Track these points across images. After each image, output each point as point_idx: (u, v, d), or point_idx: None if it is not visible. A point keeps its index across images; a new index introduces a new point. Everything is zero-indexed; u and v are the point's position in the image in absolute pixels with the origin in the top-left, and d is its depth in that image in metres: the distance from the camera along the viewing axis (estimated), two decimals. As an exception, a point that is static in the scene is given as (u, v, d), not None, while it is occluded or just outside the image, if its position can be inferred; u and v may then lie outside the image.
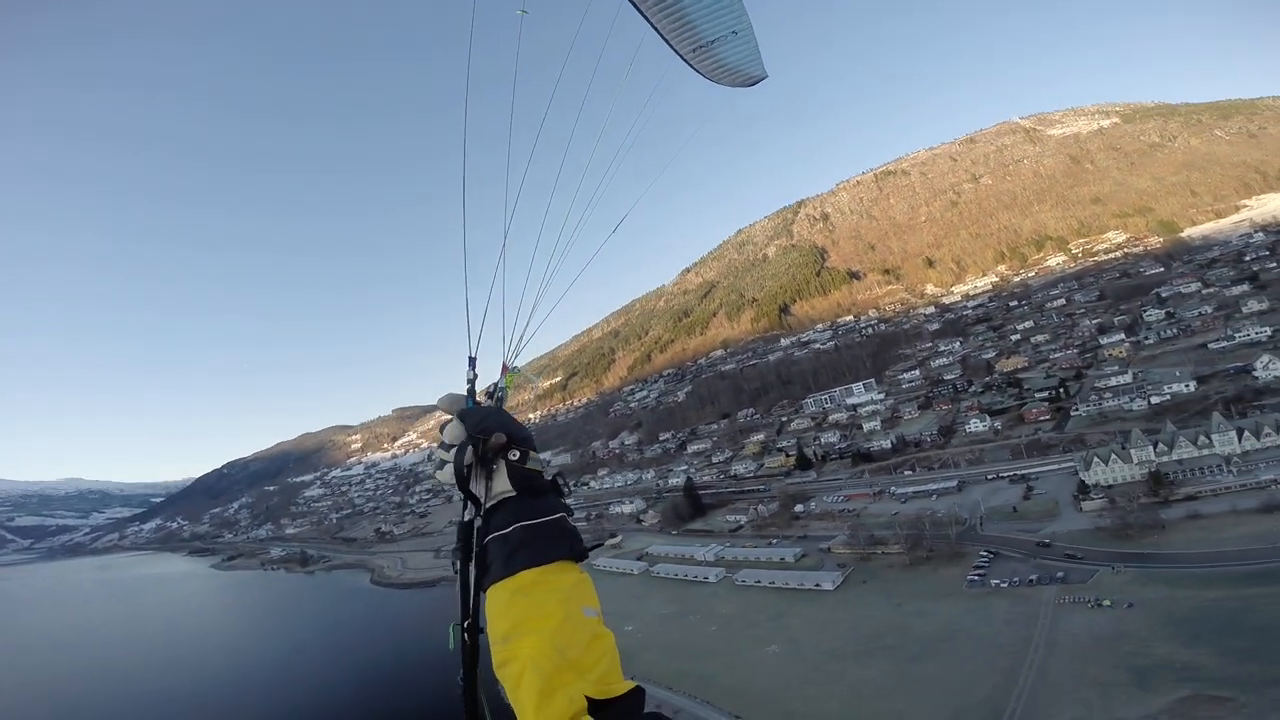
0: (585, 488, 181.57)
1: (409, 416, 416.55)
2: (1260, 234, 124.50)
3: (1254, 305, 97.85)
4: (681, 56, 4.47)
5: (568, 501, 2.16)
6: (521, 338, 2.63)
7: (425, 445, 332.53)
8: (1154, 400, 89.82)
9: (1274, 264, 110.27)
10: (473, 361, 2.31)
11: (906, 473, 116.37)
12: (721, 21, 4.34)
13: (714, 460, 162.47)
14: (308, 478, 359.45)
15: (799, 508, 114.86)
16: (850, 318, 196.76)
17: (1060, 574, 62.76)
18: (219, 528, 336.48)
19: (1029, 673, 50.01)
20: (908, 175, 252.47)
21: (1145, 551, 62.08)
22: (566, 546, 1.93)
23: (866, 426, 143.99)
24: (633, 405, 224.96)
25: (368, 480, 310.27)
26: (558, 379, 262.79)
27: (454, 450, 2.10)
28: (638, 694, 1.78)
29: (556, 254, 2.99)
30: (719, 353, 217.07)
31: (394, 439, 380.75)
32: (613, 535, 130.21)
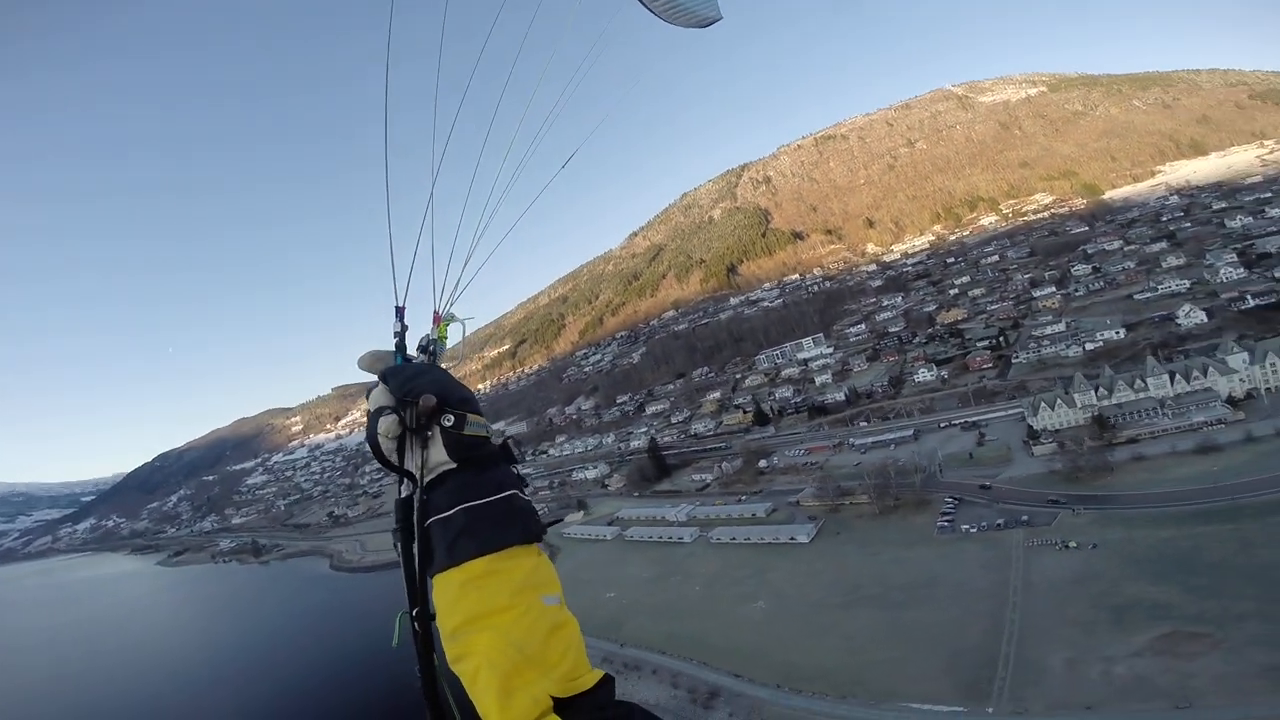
0: (544, 455, 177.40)
1: (350, 395, 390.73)
2: (1175, 197, 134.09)
3: (1172, 261, 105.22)
4: None
5: (521, 471, 1.82)
6: (458, 284, 2.11)
7: None
8: (1088, 347, 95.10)
9: (1188, 224, 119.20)
10: (400, 312, 1.90)
11: (861, 424, 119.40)
12: None
13: (673, 420, 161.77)
14: (249, 465, 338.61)
15: (763, 463, 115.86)
16: (796, 276, 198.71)
17: (1025, 517, 65.30)
18: (160, 523, 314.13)
19: (1013, 616, 51.65)
20: (846, 140, 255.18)
21: (1098, 494, 65.43)
22: (518, 530, 1.64)
23: (819, 380, 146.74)
24: (587, 369, 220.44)
25: (313, 463, 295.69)
26: (506, 347, 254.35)
27: (378, 418, 1.73)
28: (607, 685, 1.59)
29: (498, 189, 2.38)
30: (671, 313, 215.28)
31: (336, 419, 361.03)
32: (581, 505, 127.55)
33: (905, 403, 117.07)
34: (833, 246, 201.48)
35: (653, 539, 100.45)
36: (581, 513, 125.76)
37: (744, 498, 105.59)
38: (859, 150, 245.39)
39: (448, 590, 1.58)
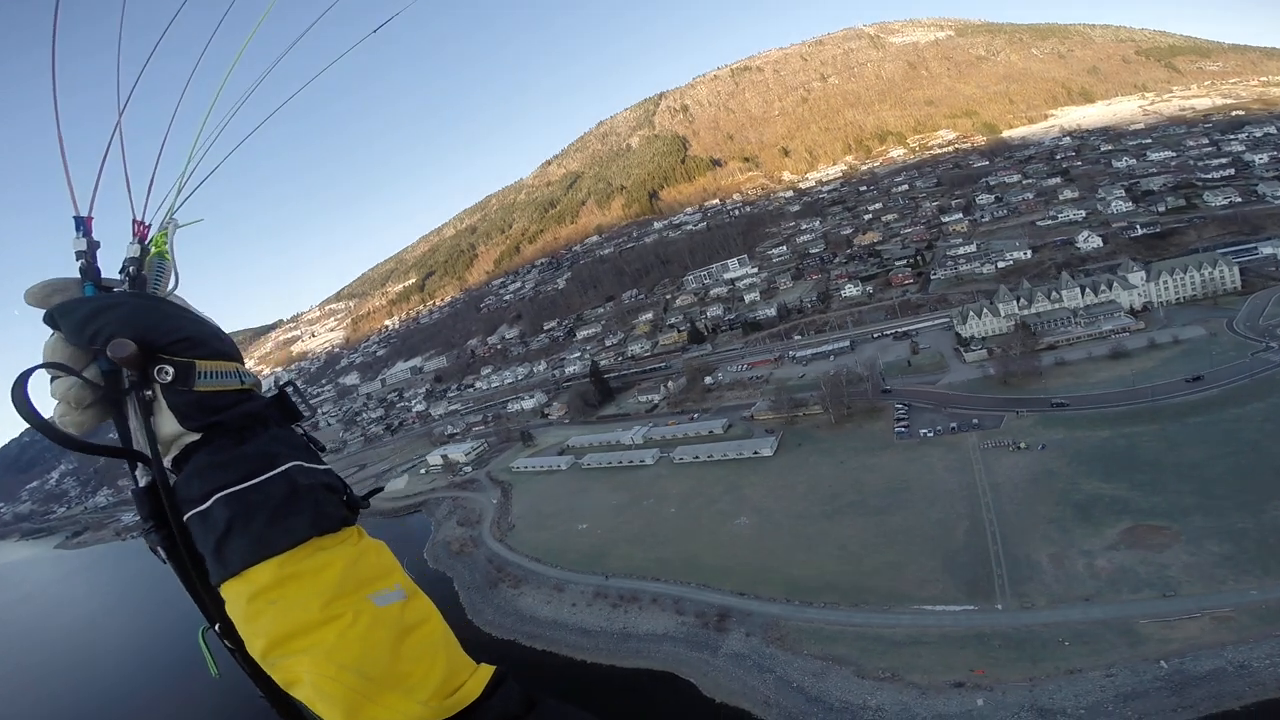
0: (471, 389, 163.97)
1: (240, 341, 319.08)
2: (1068, 138, 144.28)
3: (1068, 194, 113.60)
4: None
5: (303, 432, 1.26)
6: (184, 182, 1.30)
7: (267, 370, 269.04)
8: (1000, 265, 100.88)
9: (1080, 163, 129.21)
10: (82, 223, 1.20)
11: (796, 337, 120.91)
12: None
13: (607, 344, 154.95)
14: None
15: (708, 380, 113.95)
16: (717, 201, 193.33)
17: (976, 420, 68.47)
18: (45, 503, 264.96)
19: (989, 515, 53.78)
20: (762, 72, 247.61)
21: (1033, 397, 69.96)
22: (306, 518, 1.11)
23: (747, 298, 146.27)
24: (507, 298, 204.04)
25: None
26: (412, 280, 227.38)
27: (53, 379, 1.13)
28: (502, 687, 1.13)
29: (247, 56, 1.51)
30: (594, 239, 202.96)
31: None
32: (525, 437, 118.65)
33: (835, 316, 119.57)
34: (750, 174, 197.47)
35: (612, 464, 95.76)
36: (526, 445, 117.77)
37: (696, 415, 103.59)
38: (774, 83, 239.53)
39: (236, 606, 1.08)
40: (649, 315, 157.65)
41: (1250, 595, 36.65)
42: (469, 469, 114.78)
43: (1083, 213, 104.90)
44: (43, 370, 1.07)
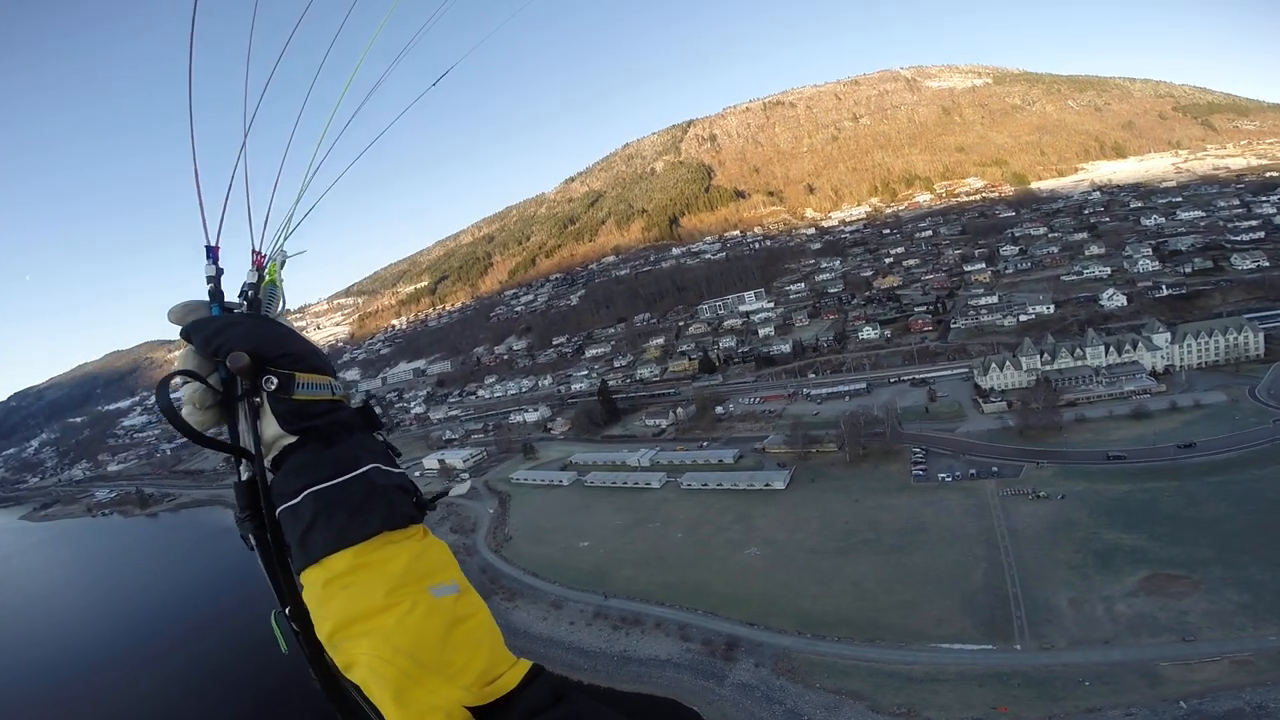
0: (473, 397, 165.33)
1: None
2: (1097, 193, 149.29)
3: (1094, 249, 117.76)
4: None
5: (383, 439, 1.49)
6: (291, 217, 1.66)
7: None
8: (1021, 319, 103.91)
9: (1107, 218, 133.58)
10: (213, 253, 1.51)
11: (811, 375, 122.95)
12: None
13: (615, 365, 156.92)
14: (124, 404, 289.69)
15: (719, 409, 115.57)
16: (737, 233, 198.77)
17: (995, 468, 70.01)
18: (19, 472, 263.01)
19: (1008, 560, 54.93)
20: (794, 107, 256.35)
21: (1051, 450, 71.64)
22: (380, 514, 1.31)
23: (761, 332, 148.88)
24: (518, 309, 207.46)
25: None
26: (424, 283, 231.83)
27: (183, 383, 1.44)
28: (537, 681, 1.30)
29: (344, 107, 1.83)
30: (610, 259, 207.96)
31: None
32: (527, 449, 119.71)
33: (852, 358, 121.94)
34: (773, 208, 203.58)
35: (617, 484, 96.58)
36: (527, 457, 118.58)
37: (705, 444, 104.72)
38: (805, 119, 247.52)
39: (313, 591, 1.29)
40: (660, 340, 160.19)
41: (1269, 641, 37.92)
42: (466, 476, 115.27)
43: (1108, 270, 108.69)
44: (179, 376, 1.40)
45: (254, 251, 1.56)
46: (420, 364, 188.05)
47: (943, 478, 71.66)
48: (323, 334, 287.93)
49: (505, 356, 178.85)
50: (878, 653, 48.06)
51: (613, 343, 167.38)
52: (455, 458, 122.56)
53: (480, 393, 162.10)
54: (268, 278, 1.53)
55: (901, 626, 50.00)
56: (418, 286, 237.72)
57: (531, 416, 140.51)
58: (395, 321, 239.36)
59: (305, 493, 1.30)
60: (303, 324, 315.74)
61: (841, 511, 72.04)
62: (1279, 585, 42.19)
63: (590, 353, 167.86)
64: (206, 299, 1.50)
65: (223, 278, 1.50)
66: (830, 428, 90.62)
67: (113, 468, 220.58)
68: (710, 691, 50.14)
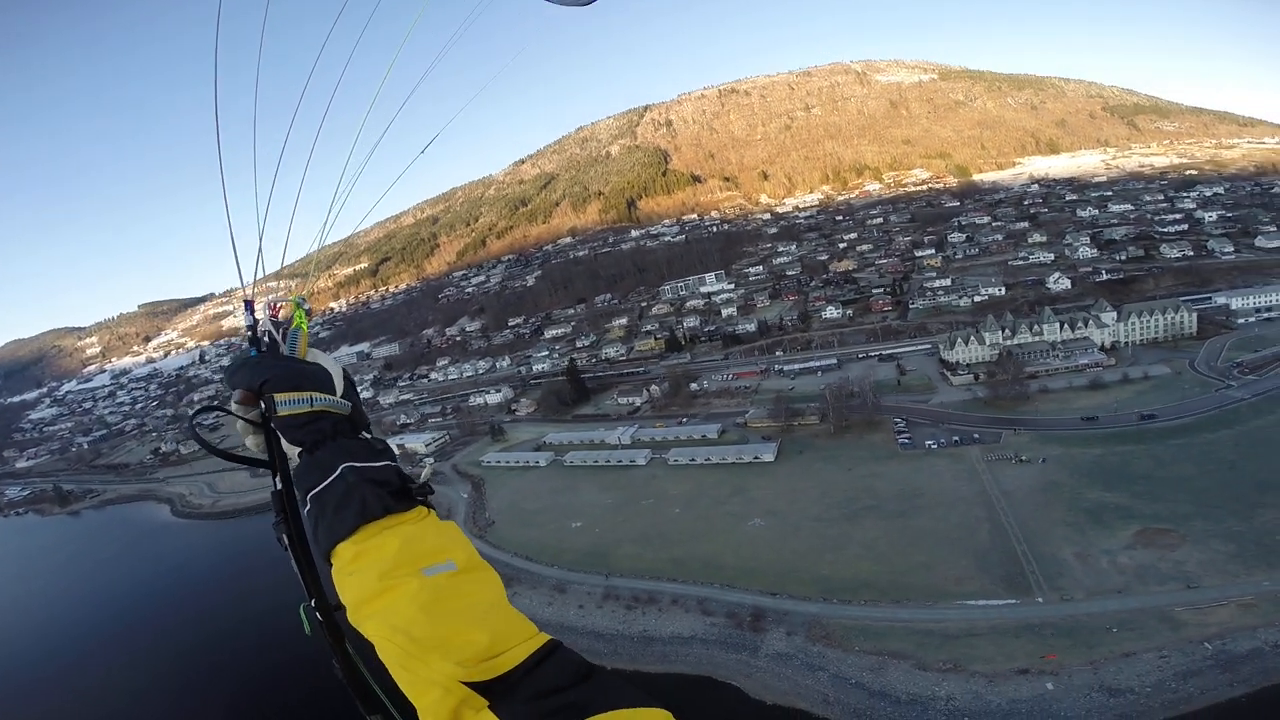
0: (425, 380, 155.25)
1: (163, 312, 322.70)
2: (1036, 186, 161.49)
3: (1036, 238, 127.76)
4: None
5: (368, 437, 1.73)
6: (311, 271, 2.14)
7: (193, 344, 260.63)
8: (975, 299, 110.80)
9: (1046, 210, 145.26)
10: (249, 305, 1.86)
11: (779, 353, 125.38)
12: None
13: (578, 345, 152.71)
14: (30, 396, 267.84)
15: (693, 386, 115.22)
16: (695, 216, 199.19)
17: (976, 435, 73.94)
18: None
19: (1008, 519, 57.89)
20: (748, 96, 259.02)
21: (1022, 418, 76.68)
22: (354, 510, 1.50)
23: (725, 312, 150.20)
24: (469, 291, 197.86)
25: (119, 392, 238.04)
26: (363, 265, 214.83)
27: (197, 416, 1.81)
28: (551, 656, 1.33)
29: (350, 170, 2.24)
30: (567, 240, 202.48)
31: (146, 339, 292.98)
32: (496, 431, 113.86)
33: (818, 336, 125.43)
34: (729, 193, 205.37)
35: (599, 463, 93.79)
36: (495, 439, 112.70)
37: (685, 419, 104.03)
38: (759, 107, 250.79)
39: (335, 579, 1.51)
40: (623, 320, 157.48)
41: (1263, 585, 42.00)
42: (430, 460, 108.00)
43: (1051, 256, 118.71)
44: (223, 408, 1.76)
45: (269, 304, 1.89)
46: (364, 347, 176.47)
47: (929, 445, 74.68)
48: (267, 309, 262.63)
49: (458, 338, 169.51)
50: (907, 613, 49.02)
51: (573, 323, 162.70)
52: (416, 442, 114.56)
53: (433, 375, 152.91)
54: (294, 322, 1.86)
55: (924, 586, 51.33)
56: (356, 268, 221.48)
57: (493, 398, 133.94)
58: (334, 304, 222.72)
59: (308, 495, 1.54)
60: (229, 307, 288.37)
61: (836, 480, 73.43)
62: (1256, 535, 46.91)
63: (550, 333, 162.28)
64: (249, 347, 1.82)
65: (257, 325, 1.83)
66: (810, 401, 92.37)
67: (21, 464, 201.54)
68: (746, 664, 49.21)
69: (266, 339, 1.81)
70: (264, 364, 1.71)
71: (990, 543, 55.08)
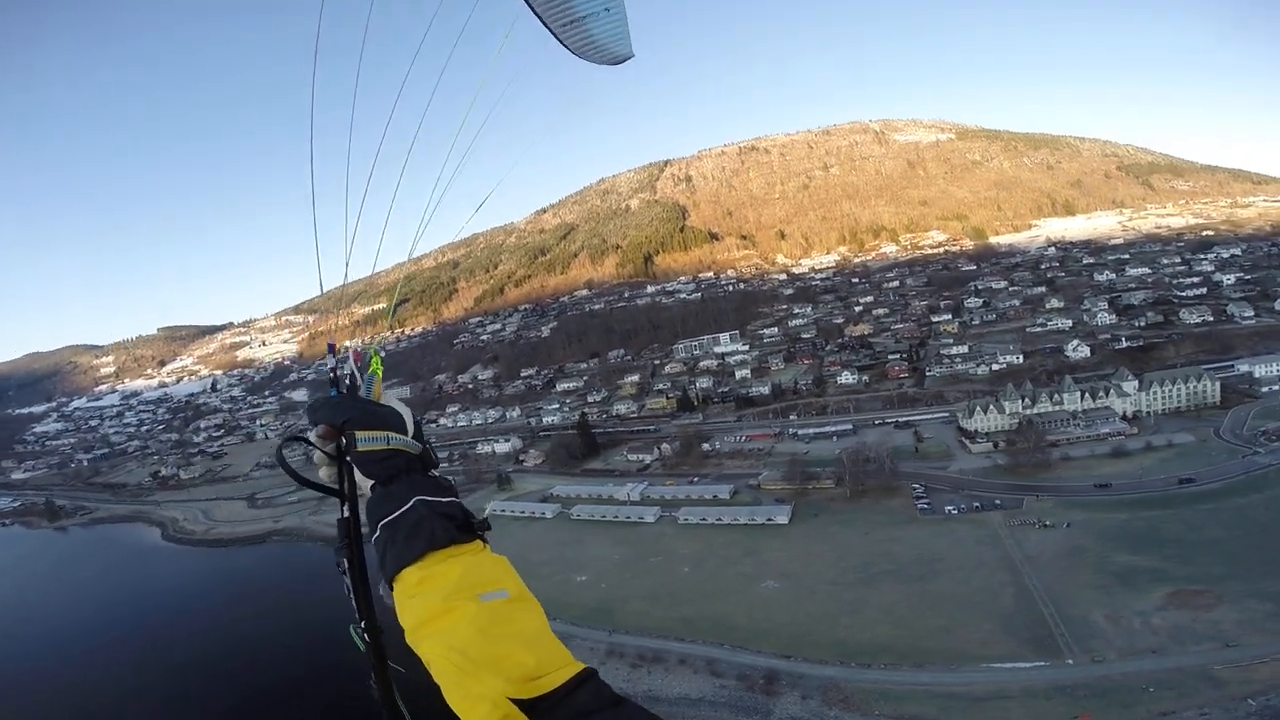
0: (434, 425, 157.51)
1: (181, 337, 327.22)
2: (1052, 249, 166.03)
3: (1054, 303, 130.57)
4: (551, 30, 4.44)
5: (436, 475, 1.92)
6: (387, 321, 2.41)
7: (205, 372, 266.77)
8: (993, 367, 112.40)
9: (1063, 273, 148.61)
10: (332, 349, 2.11)
11: (793, 417, 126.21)
12: None
13: (589, 400, 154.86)
14: (38, 409, 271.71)
15: (706, 446, 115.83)
16: (711, 274, 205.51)
17: (997, 501, 73.57)
18: None
19: (1033, 583, 56.99)
20: (767, 154, 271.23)
21: (1044, 485, 76.41)
22: (423, 539, 1.69)
23: (738, 374, 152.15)
24: (484, 338, 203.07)
25: (127, 413, 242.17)
26: (382, 305, 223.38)
27: (284, 447, 2.06)
28: (587, 684, 1.49)
29: (421, 228, 2.55)
30: (584, 292, 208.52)
31: (161, 363, 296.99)
32: (502, 480, 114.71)
33: (833, 401, 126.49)
34: (746, 252, 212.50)
35: (606, 518, 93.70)
36: (501, 488, 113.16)
37: (696, 479, 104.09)
38: (778, 166, 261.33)
39: (397, 602, 1.68)
40: (635, 377, 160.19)
41: (1308, 644, 40.84)
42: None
43: (1069, 322, 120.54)
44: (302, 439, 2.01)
45: (351, 349, 2.09)
46: None
47: (949, 510, 74.29)
48: (268, 351, 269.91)
49: (470, 385, 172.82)
50: (930, 676, 47.80)
51: (585, 377, 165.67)
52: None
53: (442, 421, 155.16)
54: (371, 367, 2.03)
55: (946, 650, 50.18)
56: (375, 308, 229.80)
57: (502, 447, 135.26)
58: (348, 343, 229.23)
59: (380, 525, 1.71)
60: (246, 338, 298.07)
61: (853, 544, 72.80)
62: (1295, 595, 46.07)
63: (562, 386, 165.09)
64: (331, 389, 2.02)
65: (341, 367, 2.02)
66: (826, 465, 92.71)
67: (18, 475, 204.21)
68: (757, 728, 47.75)
69: (347, 381, 2.02)
70: (345, 404, 1.90)
71: (1015, 606, 54.15)
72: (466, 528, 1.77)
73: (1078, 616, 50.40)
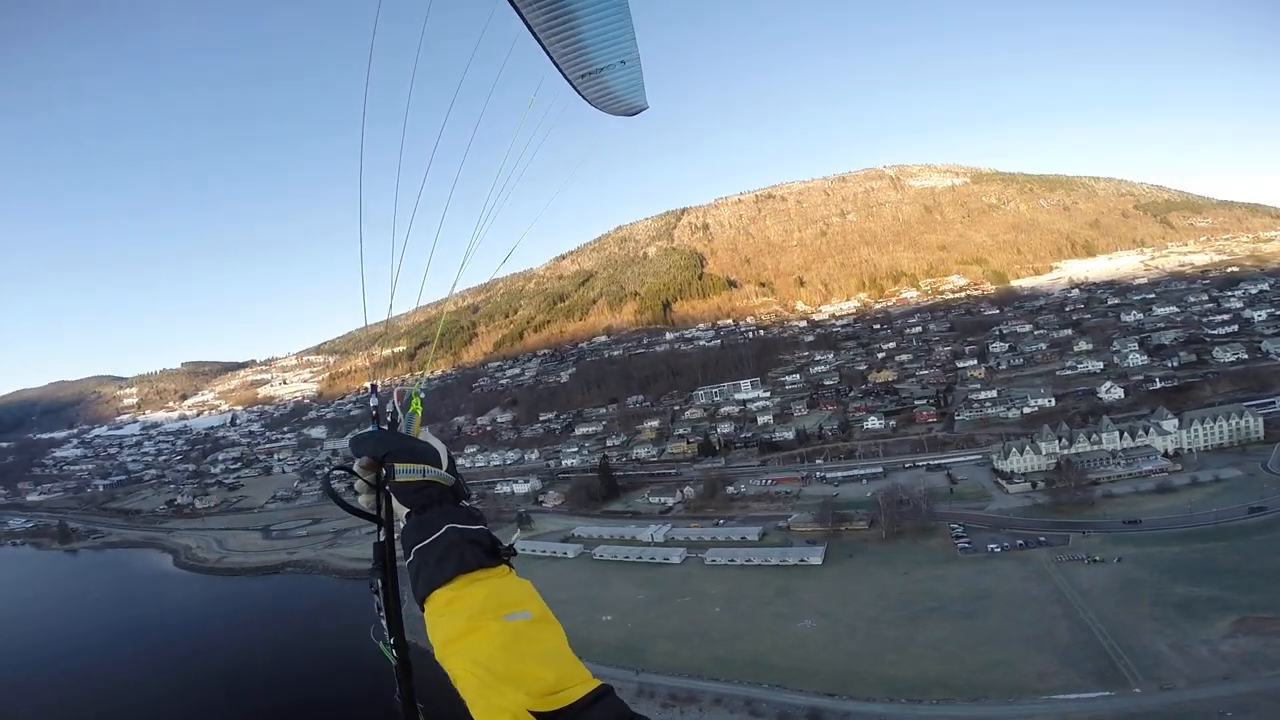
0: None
1: (204, 373, 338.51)
2: (1076, 290, 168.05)
3: (1082, 345, 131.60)
4: (569, 81, 4.67)
5: (468, 504, 2.10)
6: (428, 364, 2.63)
7: (226, 407, 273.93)
8: (1024, 411, 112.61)
9: (1088, 315, 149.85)
10: (374, 388, 2.36)
11: (819, 461, 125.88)
12: (612, 51, 4.57)
13: (608, 444, 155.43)
14: (60, 434, 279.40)
15: (730, 489, 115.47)
16: (730, 321, 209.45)
17: (1042, 538, 72.65)
18: None
19: (1088, 616, 55.83)
20: (784, 201, 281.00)
21: (1088, 523, 75.39)
22: (453, 564, 1.84)
23: (760, 420, 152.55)
24: (503, 382, 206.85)
25: (146, 443, 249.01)
26: (402, 348, 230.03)
27: (332, 476, 2.30)
28: (603, 699, 1.61)
29: (460, 274, 3.01)
30: (602, 339, 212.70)
31: (183, 397, 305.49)
32: (523, 520, 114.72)
33: (861, 446, 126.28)
34: (765, 299, 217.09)
35: (630, 559, 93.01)
36: (522, 528, 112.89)
37: (722, 521, 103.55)
38: (795, 213, 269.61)
39: (428, 621, 1.83)
40: (655, 423, 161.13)
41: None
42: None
43: (1100, 364, 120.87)
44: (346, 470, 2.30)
45: (397, 390, 2.38)
46: None
47: (992, 548, 73.44)
48: (288, 389, 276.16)
49: (488, 427, 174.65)
50: (988, 710, 46.66)
51: (604, 422, 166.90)
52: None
53: (460, 462, 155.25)
54: (412, 407, 2.31)
55: (1004, 684, 49.03)
56: (395, 350, 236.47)
57: (521, 488, 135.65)
58: (368, 384, 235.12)
59: (413, 550, 1.91)
60: (267, 376, 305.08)
61: (892, 583, 71.72)
62: (1363, 621, 45.02)
63: (580, 430, 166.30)
64: (372, 424, 2.29)
65: (382, 405, 2.32)
66: (858, 507, 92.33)
67: (33, 497, 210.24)
68: (802, 766, 46.29)
69: (390, 418, 2.30)
70: (386, 438, 2.16)
71: (1072, 639, 53.04)
72: (494, 553, 1.93)
73: (1140, 647, 49.31)
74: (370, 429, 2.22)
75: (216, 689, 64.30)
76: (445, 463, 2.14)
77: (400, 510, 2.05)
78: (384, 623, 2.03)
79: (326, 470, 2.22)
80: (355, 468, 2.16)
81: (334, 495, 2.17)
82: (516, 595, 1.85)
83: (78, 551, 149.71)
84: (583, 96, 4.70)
